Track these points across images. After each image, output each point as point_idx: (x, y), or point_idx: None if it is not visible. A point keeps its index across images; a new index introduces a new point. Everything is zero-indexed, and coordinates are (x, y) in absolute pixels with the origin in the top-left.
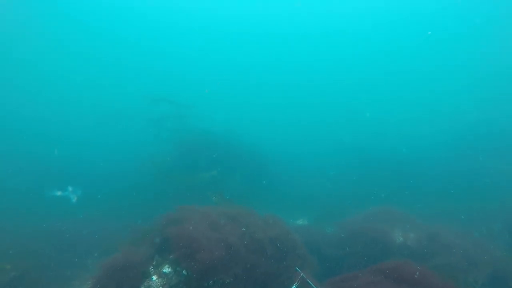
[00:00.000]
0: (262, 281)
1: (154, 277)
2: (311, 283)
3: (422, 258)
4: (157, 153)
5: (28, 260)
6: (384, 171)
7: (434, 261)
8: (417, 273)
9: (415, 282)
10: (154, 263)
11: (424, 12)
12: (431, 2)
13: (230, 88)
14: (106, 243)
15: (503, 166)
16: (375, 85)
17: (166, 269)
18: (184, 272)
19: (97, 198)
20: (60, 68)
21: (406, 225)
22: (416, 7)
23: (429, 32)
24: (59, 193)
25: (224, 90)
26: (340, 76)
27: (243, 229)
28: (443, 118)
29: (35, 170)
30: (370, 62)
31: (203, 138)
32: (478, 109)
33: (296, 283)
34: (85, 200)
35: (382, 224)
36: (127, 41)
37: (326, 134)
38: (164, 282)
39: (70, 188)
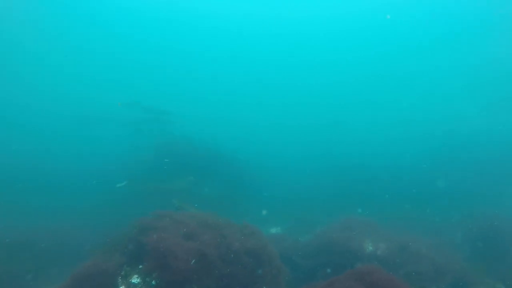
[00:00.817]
0: None
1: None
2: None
3: (392, 267)
4: (132, 158)
5: None
6: (357, 180)
7: (403, 270)
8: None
9: None
10: (123, 273)
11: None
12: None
13: (209, 94)
14: (74, 252)
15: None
16: (356, 89)
17: (135, 279)
18: (153, 282)
19: (68, 205)
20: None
21: (377, 235)
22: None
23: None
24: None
25: (202, 96)
26: (321, 79)
27: (219, 239)
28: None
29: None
30: (354, 66)
31: (180, 144)
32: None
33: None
34: (54, 207)
35: (354, 234)
36: (110, 45)
37: (302, 141)
38: None
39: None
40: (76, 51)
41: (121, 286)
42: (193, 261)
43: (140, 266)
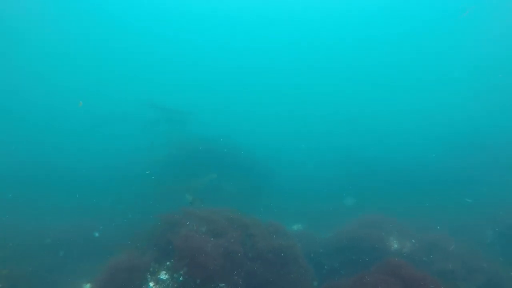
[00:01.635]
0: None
1: (151, 284)
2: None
3: (420, 266)
4: (155, 158)
5: (24, 265)
6: (378, 178)
7: (432, 268)
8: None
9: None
10: (151, 269)
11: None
12: None
13: (228, 93)
14: (103, 249)
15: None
16: (370, 88)
17: (163, 276)
18: (181, 279)
19: (94, 204)
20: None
21: (401, 232)
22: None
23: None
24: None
25: (222, 96)
26: (337, 80)
27: (245, 237)
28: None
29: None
30: (363, 65)
31: (201, 143)
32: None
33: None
34: (82, 205)
35: (377, 231)
36: (127, 45)
37: (322, 139)
38: None
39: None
40: (93, 49)
41: (150, 282)
42: (220, 258)
43: (168, 263)
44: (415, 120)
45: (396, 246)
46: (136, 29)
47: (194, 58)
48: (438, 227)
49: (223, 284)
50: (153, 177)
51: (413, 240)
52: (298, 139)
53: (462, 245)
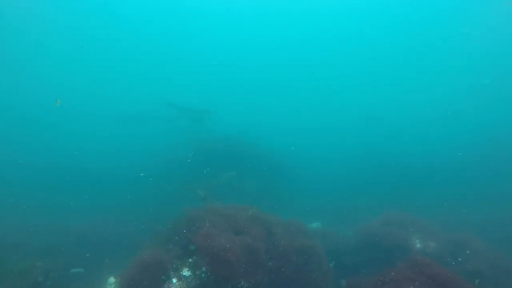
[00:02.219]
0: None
1: (174, 280)
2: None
3: (445, 266)
4: (175, 156)
5: (55, 258)
6: (399, 176)
7: (459, 269)
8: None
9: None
10: (174, 266)
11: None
12: None
13: (248, 92)
14: (125, 244)
15: None
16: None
17: (186, 272)
18: (203, 275)
19: (117, 201)
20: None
21: (424, 232)
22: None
23: None
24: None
25: (240, 94)
26: (357, 79)
27: (266, 235)
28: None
29: (54, 171)
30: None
31: (220, 142)
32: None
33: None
34: (104, 204)
35: (399, 230)
36: (148, 46)
37: (341, 137)
38: (184, 285)
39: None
40: (114, 50)
41: (173, 278)
42: (242, 255)
43: (190, 260)
44: (435, 115)
45: (419, 245)
46: (156, 30)
47: (212, 57)
48: (464, 226)
49: (244, 282)
50: (150, 179)
51: (437, 240)
52: (316, 136)
53: (490, 245)
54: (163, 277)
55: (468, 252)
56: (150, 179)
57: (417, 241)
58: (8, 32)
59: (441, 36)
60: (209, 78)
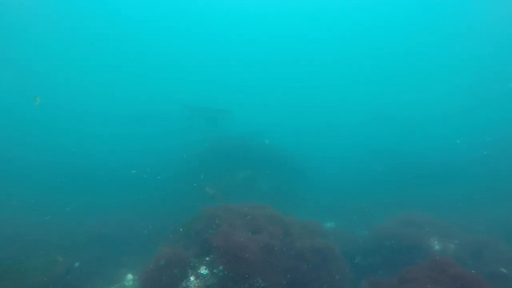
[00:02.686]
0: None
1: (192, 278)
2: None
3: (466, 268)
4: (190, 154)
5: (73, 253)
6: (414, 175)
7: (481, 271)
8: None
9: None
10: (191, 264)
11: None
12: None
13: (262, 91)
14: (141, 243)
15: None
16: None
17: (203, 271)
18: (221, 274)
19: (134, 200)
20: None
21: (443, 233)
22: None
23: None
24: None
25: (255, 93)
26: (372, 77)
27: (283, 234)
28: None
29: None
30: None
31: (235, 141)
32: None
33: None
34: (118, 202)
35: (417, 230)
36: (165, 47)
37: (356, 136)
38: (201, 283)
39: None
40: (130, 50)
41: (190, 276)
42: (259, 254)
43: (207, 258)
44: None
45: (438, 247)
46: (173, 32)
47: (228, 57)
48: (484, 227)
49: (262, 281)
50: (158, 177)
51: (456, 241)
52: (331, 134)
53: None
54: (180, 274)
55: (489, 254)
56: (158, 177)
57: (435, 242)
58: (23, 33)
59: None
60: (223, 78)
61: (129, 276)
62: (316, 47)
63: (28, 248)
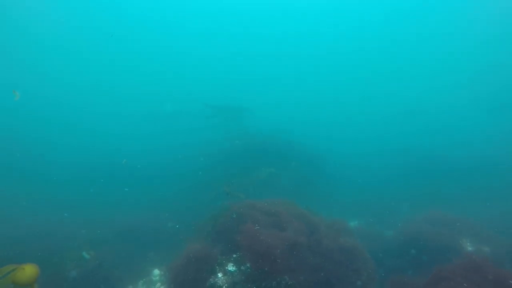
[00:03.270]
0: (326, 286)
1: (220, 275)
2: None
3: None
4: (213, 152)
5: (102, 248)
6: (440, 171)
7: None
8: None
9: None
10: (218, 261)
11: None
12: None
13: (284, 89)
14: (168, 239)
15: None
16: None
17: (231, 268)
18: (248, 270)
19: (157, 197)
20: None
21: (476, 235)
22: None
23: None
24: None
25: (278, 91)
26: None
27: (310, 232)
28: None
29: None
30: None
31: (257, 138)
32: None
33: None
34: (146, 199)
35: (447, 231)
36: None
37: (380, 133)
38: (229, 280)
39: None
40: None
41: (218, 272)
42: (286, 252)
43: (234, 255)
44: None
45: (471, 248)
46: (197, 32)
47: (248, 54)
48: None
49: (289, 279)
50: (200, 173)
51: (491, 243)
52: (353, 130)
53: None
54: (208, 271)
55: None
56: (201, 173)
57: (468, 243)
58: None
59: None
60: (245, 76)
61: (156, 271)
62: (337, 42)
63: (62, 243)
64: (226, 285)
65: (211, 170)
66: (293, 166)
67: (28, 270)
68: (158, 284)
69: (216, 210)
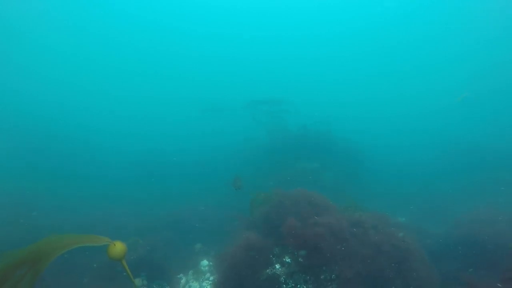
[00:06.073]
0: (380, 281)
1: (277, 266)
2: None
3: None
4: (257, 145)
5: (153, 237)
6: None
7: None
8: None
9: None
10: (274, 252)
11: None
12: None
13: (327, 84)
14: (213, 231)
15: None
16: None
17: (287, 259)
18: (302, 262)
19: (206, 191)
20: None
21: None
22: None
23: None
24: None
25: (321, 86)
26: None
27: (358, 225)
28: None
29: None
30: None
31: (301, 133)
32: None
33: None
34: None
35: (505, 230)
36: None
37: (425, 127)
38: (287, 271)
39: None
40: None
41: (276, 264)
42: (336, 244)
43: (288, 246)
44: None
45: None
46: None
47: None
48: None
49: (343, 270)
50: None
51: None
52: (397, 124)
53: None
54: (264, 262)
55: None
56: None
57: None
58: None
59: None
60: (288, 71)
61: (205, 262)
62: (379, 37)
63: (114, 231)
64: (284, 276)
65: (259, 163)
66: (336, 160)
67: (118, 247)
68: (208, 274)
69: (258, 201)
